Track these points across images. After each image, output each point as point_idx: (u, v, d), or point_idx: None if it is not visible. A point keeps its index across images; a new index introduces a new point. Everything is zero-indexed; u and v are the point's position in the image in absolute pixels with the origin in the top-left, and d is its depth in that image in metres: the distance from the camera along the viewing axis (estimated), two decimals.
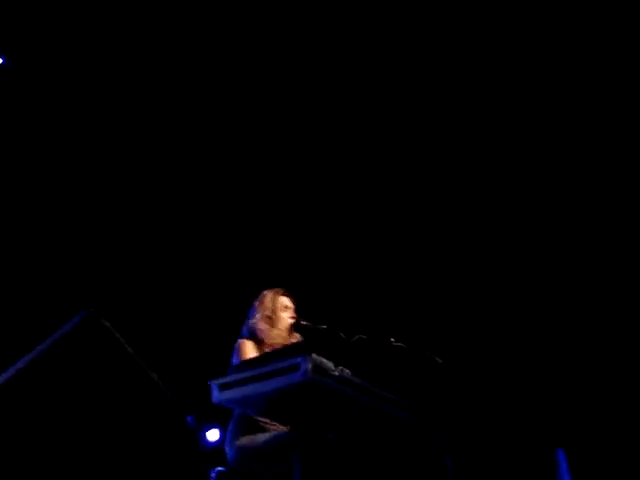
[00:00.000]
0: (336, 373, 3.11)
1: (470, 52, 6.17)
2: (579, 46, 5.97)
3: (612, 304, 6.13)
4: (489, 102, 6.24)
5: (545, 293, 6.33)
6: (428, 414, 3.72)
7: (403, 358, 3.87)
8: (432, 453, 3.89)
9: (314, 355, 3.04)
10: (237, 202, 6.54)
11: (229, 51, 6.18)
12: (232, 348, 4.08)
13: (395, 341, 3.84)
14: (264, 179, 6.51)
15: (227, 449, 3.95)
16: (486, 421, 5.84)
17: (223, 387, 3.29)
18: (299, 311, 4.20)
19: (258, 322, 4.12)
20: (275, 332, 4.09)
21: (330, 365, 3.11)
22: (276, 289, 4.27)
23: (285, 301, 4.21)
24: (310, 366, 2.98)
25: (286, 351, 3.21)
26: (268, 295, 4.22)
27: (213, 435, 6.28)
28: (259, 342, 4.06)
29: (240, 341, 4.05)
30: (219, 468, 3.91)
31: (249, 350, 3.97)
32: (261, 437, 3.80)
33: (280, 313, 4.14)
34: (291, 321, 4.13)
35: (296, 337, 4.12)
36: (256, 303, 4.22)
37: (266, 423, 3.86)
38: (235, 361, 3.95)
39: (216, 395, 3.30)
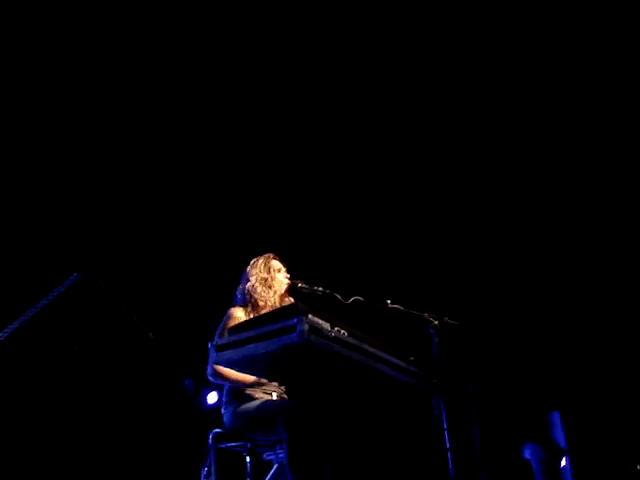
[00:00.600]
0: (332, 334, 3.11)
1: (470, 52, 6.14)
2: (579, 46, 5.94)
3: (609, 269, 6.14)
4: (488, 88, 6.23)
5: (539, 252, 6.34)
6: (425, 376, 3.72)
7: (399, 320, 3.89)
8: (429, 416, 3.91)
9: (310, 316, 3.04)
10: (234, 166, 6.51)
11: (229, 51, 6.16)
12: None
13: (391, 303, 3.85)
14: (256, 147, 6.49)
15: (223, 412, 3.99)
16: (482, 383, 5.87)
17: (220, 348, 3.30)
18: (296, 274, 4.22)
19: (253, 285, 4.14)
20: (271, 294, 4.11)
21: (326, 326, 3.12)
22: (267, 254, 4.29)
23: (277, 264, 4.25)
24: (306, 327, 2.98)
25: (282, 312, 3.21)
26: (260, 260, 4.25)
27: (212, 397, 6.30)
28: (254, 306, 4.08)
29: (231, 309, 4.09)
30: (217, 430, 3.94)
31: (237, 317, 3.99)
32: (254, 403, 3.85)
33: (275, 274, 4.17)
34: (287, 281, 4.16)
35: (290, 300, 4.15)
36: (248, 268, 4.23)
37: (255, 391, 3.90)
38: (219, 329, 3.98)
39: (213, 356, 3.30)
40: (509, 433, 5.60)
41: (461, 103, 6.36)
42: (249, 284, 4.16)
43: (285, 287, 4.16)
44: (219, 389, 6.13)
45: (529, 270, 6.34)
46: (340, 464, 3.72)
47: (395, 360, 3.48)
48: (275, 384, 3.94)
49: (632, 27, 5.73)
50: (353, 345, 3.22)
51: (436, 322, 3.92)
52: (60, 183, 6.00)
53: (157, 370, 6.05)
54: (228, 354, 3.26)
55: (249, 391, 3.92)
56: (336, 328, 3.16)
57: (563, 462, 5.14)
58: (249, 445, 3.85)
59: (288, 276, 4.19)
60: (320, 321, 3.10)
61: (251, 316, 4.02)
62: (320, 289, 3.97)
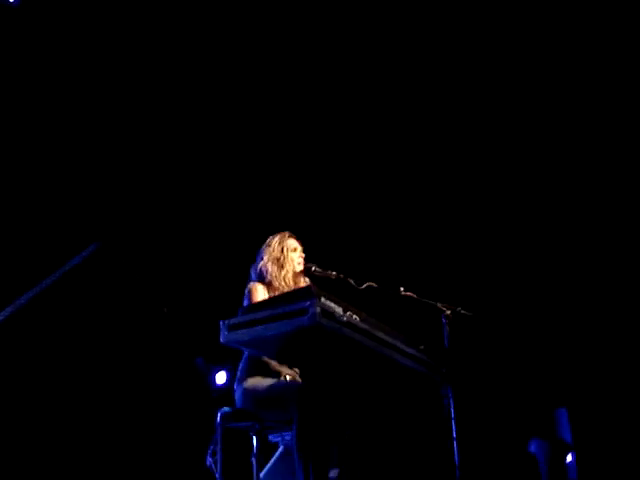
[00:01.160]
0: (344, 318, 3.11)
1: (470, 51, 6.12)
2: (579, 46, 5.91)
3: (616, 263, 6.11)
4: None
5: (551, 248, 6.32)
6: (435, 365, 3.73)
7: (412, 308, 3.89)
8: (438, 405, 3.92)
9: (323, 299, 3.04)
10: (250, 145, 6.51)
11: (229, 51, 6.16)
12: (243, 291, 4.11)
13: (405, 290, 3.85)
14: (276, 125, 6.48)
15: (235, 389, 3.99)
16: (491, 377, 5.87)
17: (232, 328, 3.31)
18: (310, 257, 4.21)
19: (266, 264, 4.13)
20: (283, 274, 4.09)
21: (338, 310, 3.12)
22: (283, 232, 4.27)
23: (293, 243, 4.21)
24: (318, 310, 2.99)
25: (295, 294, 3.22)
26: (275, 238, 4.22)
27: (221, 377, 6.34)
28: (268, 285, 4.07)
29: (250, 284, 4.07)
30: (225, 409, 3.96)
31: (260, 293, 3.99)
32: (266, 382, 3.84)
33: (288, 255, 4.14)
34: (300, 261, 4.14)
35: (305, 281, 4.13)
36: (264, 246, 4.22)
37: (276, 366, 3.89)
38: (245, 304, 3.97)
39: (224, 335, 3.32)
40: (516, 428, 5.60)
41: (475, 89, 6.33)
42: (262, 263, 4.14)
43: (300, 268, 4.14)
44: (228, 369, 6.18)
45: (541, 266, 6.31)
46: (347, 447, 3.73)
47: (405, 347, 3.49)
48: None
49: (632, 27, 5.69)
50: (364, 330, 3.23)
51: (449, 312, 3.92)
52: (79, 151, 6.03)
53: (169, 347, 6.09)
54: (239, 334, 3.28)
55: (271, 366, 3.91)
56: (348, 313, 3.16)
57: (569, 458, 5.14)
58: (257, 425, 3.86)
59: (303, 256, 4.17)
60: (332, 305, 3.10)
61: (267, 294, 4.02)
62: (334, 273, 3.97)
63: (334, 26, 6.15)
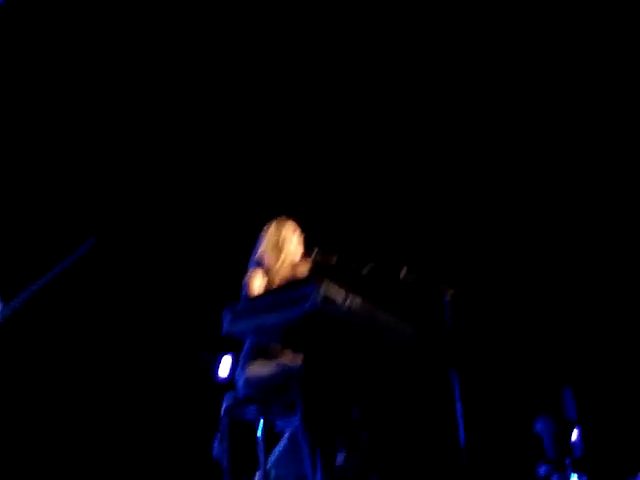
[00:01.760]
0: (346, 304, 3.12)
1: (470, 50, 6.12)
2: (579, 46, 5.89)
3: (621, 244, 6.12)
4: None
5: (558, 230, 6.32)
6: (439, 347, 3.73)
7: (414, 290, 3.88)
8: (443, 386, 3.92)
9: (324, 285, 3.05)
10: (247, 133, 6.49)
11: (229, 51, 6.14)
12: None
13: (408, 271, 3.83)
14: (273, 109, 6.46)
15: (237, 376, 3.99)
16: (496, 356, 5.88)
17: (234, 317, 3.32)
18: (311, 240, 4.18)
19: (264, 251, 4.11)
20: (282, 259, 4.07)
21: (340, 295, 3.13)
22: (281, 218, 4.24)
23: (290, 227, 4.19)
24: (319, 296, 3.00)
25: (297, 282, 3.23)
26: (274, 225, 4.20)
27: (224, 370, 6.32)
28: (266, 271, 4.05)
29: (249, 272, 4.05)
30: (229, 395, 3.96)
31: (258, 280, 3.97)
32: (268, 367, 3.82)
33: (286, 241, 4.12)
34: (299, 245, 4.12)
35: (305, 266, 4.11)
36: (262, 233, 4.20)
37: (277, 350, 3.88)
38: (244, 292, 3.97)
39: (227, 325, 3.33)
40: (522, 407, 5.61)
41: (468, 80, 6.33)
42: (260, 250, 4.13)
43: (299, 253, 4.11)
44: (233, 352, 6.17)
45: (544, 246, 6.31)
46: (353, 432, 3.75)
47: (408, 330, 3.50)
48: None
49: (632, 27, 5.69)
50: (366, 315, 3.24)
51: (451, 293, 3.90)
52: (73, 145, 6.02)
53: (174, 341, 6.10)
54: (242, 324, 3.29)
55: (272, 350, 3.90)
56: (350, 297, 3.17)
57: (574, 435, 5.15)
58: (262, 412, 3.86)
59: (301, 239, 4.14)
60: (334, 290, 3.11)
61: (266, 281, 4.00)
62: (335, 257, 3.95)
63: (333, 23, 6.12)
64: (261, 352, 3.89)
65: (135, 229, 6.13)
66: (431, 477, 5.31)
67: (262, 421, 3.87)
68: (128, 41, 6.07)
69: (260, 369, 3.84)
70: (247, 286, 3.97)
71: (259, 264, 4.09)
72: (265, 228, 4.21)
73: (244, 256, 4.23)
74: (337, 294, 3.15)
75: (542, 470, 5.00)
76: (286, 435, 4.14)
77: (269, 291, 3.68)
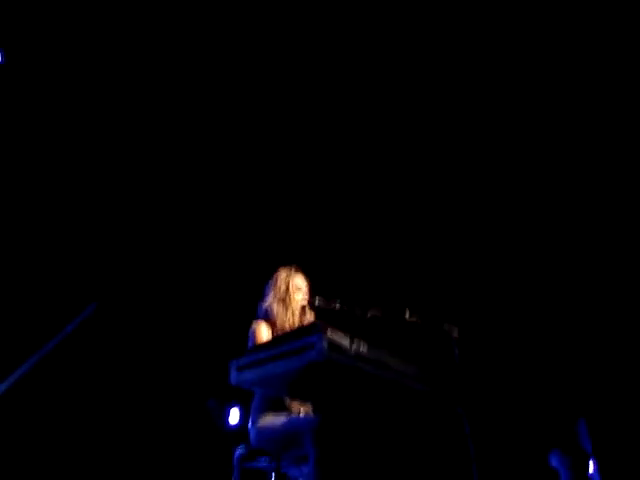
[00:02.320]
0: (352, 350, 3.10)
1: (469, 50, 6.15)
2: (579, 46, 5.92)
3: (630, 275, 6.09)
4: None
5: (563, 259, 6.29)
6: (448, 387, 3.70)
7: (418, 332, 3.86)
8: (454, 427, 3.88)
9: (329, 332, 3.03)
10: (246, 181, 6.50)
11: (229, 51, 6.17)
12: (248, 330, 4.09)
13: (411, 315, 3.82)
14: (272, 158, 6.48)
15: (249, 428, 3.97)
16: (508, 392, 5.83)
17: (241, 368, 3.30)
18: (312, 288, 4.19)
19: (271, 304, 4.12)
20: (288, 313, 4.08)
21: (346, 342, 3.11)
22: (289, 267, 4.24)
23: (299, 281, 4.19)
24: (325, 344, 2.98)
25: (301, 331, 3.21)
26: (282, 275, 4.20)
27: (234, 417, 6.30)
28: (273, 324, 4.06)
29: (254, 324, 4.05)
30: (241, 448, 3.93)
31: (263, 332, 3.97)
32: (280, 420, 3.81)
33: (293, 294, 4.13)
34: (304, 303, 4.12)
35: (310, 317, 4.11)
36: (270, 283, 4.21)
37: (289, 402, 3.87)
38: (250, 344, 3.96)
39: (234, 376, 3.31)
40: (536, 441, 5.55)
41: (464, 112, 6.34)
42: (268, 302, 4.13)
43: (304, 303, 4.12)
44: (241, 405, 6.14)
45: (553, 276, 6.28)
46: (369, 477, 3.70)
47: (416, 371, 3.47)
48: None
49: (632, 27, 5.71)
50: (373, 359, 3.22)
51: (456, 332, 3.89)
52: (65, 210, 6.01)
53: (180, 392, 6.06)
54: (248, 374, 3.27)
55: (275, 408, 3.89)
56: (355, 343, 3.15)
57: (591, 468, 5.09)
58: (274, 464, 3.83)
59: (306, 297, 4.14)
60: (339, 337, 3.09)
61: (272, 332, 4.00)
62: (337, 305, 3.94)
63: (330, 25, 6.12)
64: (272, 403, 3.87)
65: (141, 283, 6.11)
66: None
67: (274, 471, 3.84)
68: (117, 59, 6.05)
69: (272, 421, 3.82)
70: (253, 337, 3.97)
71: (265, 316, 4.09)
72: (274, 277, 4.21)
73: (251, 305, 4.24)
74: (342, 340, 3.14)
75: None
76: None
77: (274, 340, 3.65)
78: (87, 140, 6.05)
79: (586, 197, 6.24)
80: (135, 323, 6.07)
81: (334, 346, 3.03)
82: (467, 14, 5.98)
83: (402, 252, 6.42)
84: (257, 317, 4.15)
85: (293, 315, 4.08)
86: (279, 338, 3.46)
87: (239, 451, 3.92)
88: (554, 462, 5.17)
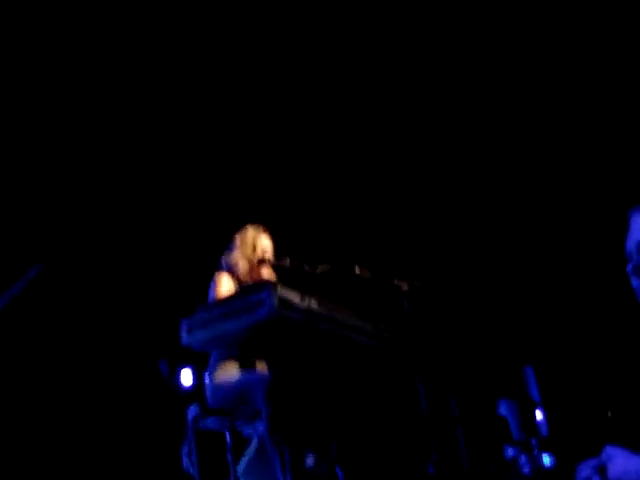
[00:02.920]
0: (302, 306, 3.11)
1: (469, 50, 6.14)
2: (579, 46, 5.94)
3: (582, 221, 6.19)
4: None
5: (509, 207, 6.37)
6: (398, 340, 3.75)
7: (368, 287, 3.89)
8: (405, 379, 3.94)
9: (279, 289, 3.04)
10: (202, 137, 6.40)
11: (229, 51, 6.07)
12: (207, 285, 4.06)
13: (360, 269, 3.84)
14: (234, 118, 6.39)
15: (206, 386, 3.97)
16: (456, 342, 5.92)
17: (191, 329, 3.29)
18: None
19: (237, 260, 4.08)
20: (253, 273, 4.07)
21: (296, 298, 3.12)
22: (257, 226, 4.21)
23: (266, 242, 4.16)
24: (276, 301, 2.99)
25: (251, 288, 3.21)
26: (249, 233, 4.17)
27: (186, 378, 6.28)
28: (237, 279, 4.03)
29: (217, 275, 4.02)
30: (194, 407, 3.93)
31: (225, 283, 3.94)
32: (235, 376, 3.82)
33: (259, 254, 4.10)
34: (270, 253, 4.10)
35: (269, 274, 4.09)
36: (237, 238, 4.17)
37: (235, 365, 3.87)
38: (211, 294, 3.94)
39: (185, 337, 3.30)
40: (483, 391, 5.67)
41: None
42: (232, 257, 4.09)
43: (257, 264, 4.10)
44: (194, 365, 6.12)
45: (500, 225, 6.35)
46: (321, 433, 3.74)
47: (367, 327, 3.51)
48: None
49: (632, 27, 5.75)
50: (324, 315, 3.24)
51: (405, 286, 3.92)
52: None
53: (130, 354, 6.03)
54: (199, 334, 3.26)
55: (230, 365, 3.88)
56: (306, 299, 3.16)
57: (539, 415, 5.22)
58: (228, 422, 3.85)
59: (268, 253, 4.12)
60: (289, 294, 3.10)
61: (233, 285, 3.97)
62: (287, 261, 3.94)
63: (329, 25, 6.07)
64: (226, 361, 3.88)
65: (89, 240, 6.02)
66: (400, 469, 5.33)
67: (229, 429, 3.86)
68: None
69: (227, 378, 3.82)
70: (215, 288, 3.94)
71: (229, 268, 4.05)
72: (241, 233, 4.17)
73: (200, 264, 4.20)
74: (292, 296, 3.14)
75: (509, 452, 5.05)
76: (254, 442, 4.12)
77: (223, 299, 3.64)
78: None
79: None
80: (82, 282, 5.99)
81: (284, 302, 3.03)
82: (467, 14, 5.97)
83: (349, 207, 6.42)
84: (219, 268, 4.11)
85: (257, 274, 4.06)
86: (229, 297, 3.45)
87: (192, 411, 3.92)
88: (503, 410, 5.29)
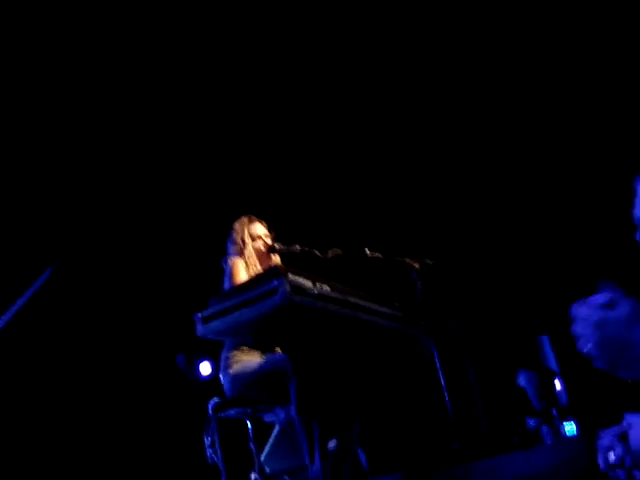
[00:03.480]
0: (315, 291, 3.11)
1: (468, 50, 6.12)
2: (579, 46, 5.91)
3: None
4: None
5: (519, 180, 6.37)
6: (412, 319, 3.75)
7: (380, 268, 3.89)
8: (422, 358, 3.94)
9: (290, 276, 3.03)
10: (207, 132, 6.41)
11: (229, 51, 6.05)
12: (217, 274, 4.06)
13: (370, 251, 3.85)
14: (239, 107, 6.39)
15: (221, 378, 3.97)
16: (471, 316, 5.92)
17: (206, 320, 3.29)
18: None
19: (245, 243, 4.10)
20: (257, 257, 4.07)
21: (308, 284, 3.12)
22: (248, 216, 4.22)
23: (259, 229, 4.17)
24: (288, 287, 2.98)
25: (263, 276, 3.20)
26: (243, 223, 4.18)
27: (205, 369, 6.32)
28: (246, 265, 4.03)
29: (230, 260, 4.01)
30: (215, 399, 3.94)
31: (241, 268, 3.94)
32: (254, 362, 3.82)
33: (255, 241, 4.11)
34: (264, 247, 4.10)
35: (275, 261, 4.09)
36: (232, 234, 4.18)
37: (251, 353, 3.87)
38: (227, 281, 3.94)
39: (200, 328, 3.30)
40: (501, 363, 5.67)
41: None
42: (237, 246, 4.10)
43: (263, 252, 4.10)
44: (211, 358, 6.15)
45: (512, 195, 6.34)
46: (343, 417, 3.75)
47: (380, 308, 3.50)
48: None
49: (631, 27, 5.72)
50: (337, 299, 3.23)
51: (417, 265, 3.92)
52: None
53: (148, 350, 6.05)
54: (215, 324, 3.26)
55: (245, 354, 3.89)
56: (318, 284, 3.16)
57: (557, 385, 5.22)
58: (249, 410, 3.86)
59: (267, 242, 4.12)
60: (301, 279, 3.09)
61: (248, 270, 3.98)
62: (297, 247, 3.94)
63: (329, 24, 6.06)
64: (242, 350, 3.88)
65: (103, 239, 6.04)
66: (422, 445, 5.35)
67: (250, 418, 3.87)
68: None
69: (244, 366, 3.82)
70: (230, 275, 3.93)
71: (240, 254, 4.05)
72: (234, 227, 4.17)
73: (210, 260, 4.21)
74: (305, 282, 3.14)
75: (531, 423, 5.07)
76: (276, 429, 4.14)
77: (237, 288, 3.64)
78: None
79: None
80: (98, 284, 6.02)
81: (297, 288, 3.03)
82: (467, 14, 5.95)
83: (356, 190, 6.42)
84: (229, 254, 4.11)
85: (256, 261, 4.06)
86: (241, 286, 3.44)
87: (213, 401, 3.93)
88: (521, 381, 5.29)
